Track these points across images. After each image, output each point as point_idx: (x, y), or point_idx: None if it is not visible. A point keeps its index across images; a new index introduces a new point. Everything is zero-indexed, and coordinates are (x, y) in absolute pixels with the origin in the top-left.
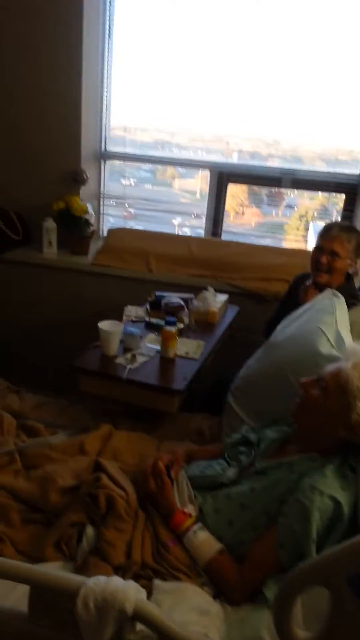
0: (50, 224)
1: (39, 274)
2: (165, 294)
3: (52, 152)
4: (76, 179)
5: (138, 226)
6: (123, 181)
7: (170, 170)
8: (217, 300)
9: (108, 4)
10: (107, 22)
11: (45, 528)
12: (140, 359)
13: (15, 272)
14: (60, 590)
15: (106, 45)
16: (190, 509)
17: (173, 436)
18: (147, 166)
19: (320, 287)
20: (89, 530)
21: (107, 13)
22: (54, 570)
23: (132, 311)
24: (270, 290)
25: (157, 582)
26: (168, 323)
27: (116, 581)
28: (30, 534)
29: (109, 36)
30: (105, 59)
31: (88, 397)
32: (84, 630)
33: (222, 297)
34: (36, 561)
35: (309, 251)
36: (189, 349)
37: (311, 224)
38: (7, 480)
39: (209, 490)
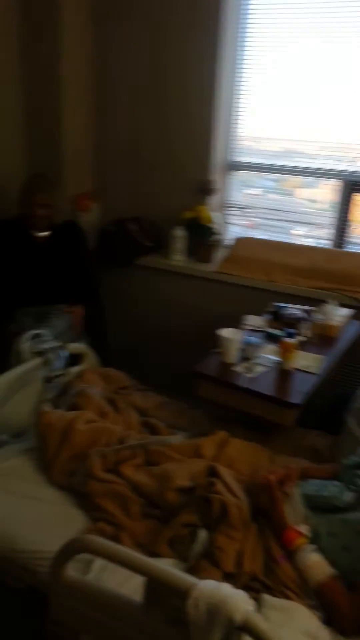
0: (179, 232)
1: (166, 280)
2: (284, 305)
3: (185, 163)
4: (206, 190)
5: (261, 236)
6: (248, 190)
7: (294, 179)
8: (339, 314)
9: (243, 15)
10: (242, 34)
11: (161, 524)
12: (259, 369)
13: (146, 277)
14: (173, 587)
15: (239, 56)
16: (304, 528)
17: (286, 450)
18: (271, 175)
19: None
20: (202, 534)
21: (242, 24)
22: (169, 567)
23: (252, 320)
24: None
25: (266, 597)
26: (288, 334)
27: (226, 588)
28: (147, 528)
29: (242, 48)
30: (238, 70)
31: (206, 402)
32: (193, 630)
33: (345, 312)
34: (151, 555)
35: None
36: (308, 362)
37: None
38: (129, 473)
39: (323, 511)
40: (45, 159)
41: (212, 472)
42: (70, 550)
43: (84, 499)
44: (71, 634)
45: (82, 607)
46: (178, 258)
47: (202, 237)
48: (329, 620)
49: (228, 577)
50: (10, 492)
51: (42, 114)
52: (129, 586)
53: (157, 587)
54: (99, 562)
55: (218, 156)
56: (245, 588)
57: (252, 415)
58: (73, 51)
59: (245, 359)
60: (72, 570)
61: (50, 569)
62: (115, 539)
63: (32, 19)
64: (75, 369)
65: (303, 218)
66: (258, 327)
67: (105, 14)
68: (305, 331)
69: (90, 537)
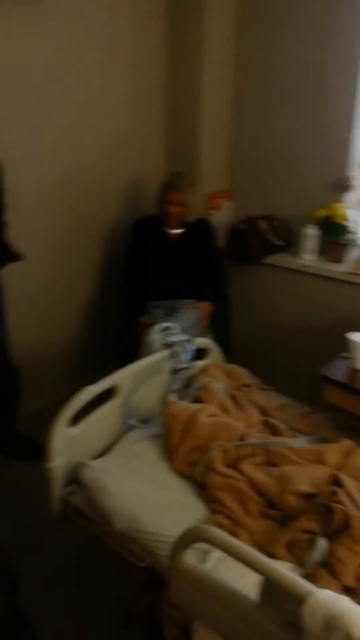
0: (311, 231)
1: (295, 279)
2: None
3: (320, 158)
4: (343, 186)
5: None
6: None
7: None
8: None
9: None
10: None
11: (279, 526)
12: None
13: (274, 276)
14: (290, 591)
15: None
16: None
17: None
18: None
19: None
20: (322, 542)
21: None
22: (286, 570)
23: None
24: None
25: None
26: None
27: (345, 602)
28: (265, 528)
29: None
30: None
31: (332, 408)
32: (307, 639)
33: None
34: (267, 556)
35: None
36: None
37: None
38: (248, 470)
39: None
40: (183, 158)
41: (336, 482)
42: (190, 538)
43: (203, 490)
44: (187, 618)
45: (197, 595)
46: (309, 257)
47: (336, 236)
48: None
49: (347, 591)
50: (137, 474)
51: (182, 114)
52: (245, 582)
53: (273, 588)
54: (216, 554)
55: (358, 151)
56: None
57: None
58: (215, 53)
59: None
60: (190, 558)
61: (170, 553)
62: (233, 534)
63: (176, 24)
64: (200, 363)
65: None
66: None
67: (248, 14)
68: None
69: (211, 528)
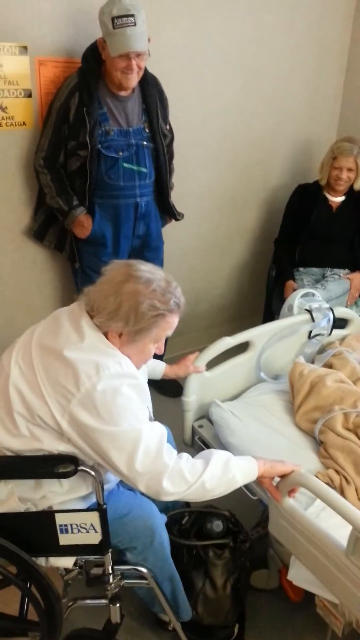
0: None
1: None
2: None
3: None
4: None
5: None
6: None
7: None
8: None
9: None
10: None
11: None
12: None
13: None
14: None
15: None
16: None
17: None
18: None
19: None
20: None
21: None
22: None
23: None
24: None
25: None
26: None
27: None
28: None
29: None
30: None
31: None
32: None
33: None
34: None
35: None
36: None
37: None
38: None
39: None
40: (356, 124)
41: None
42: (292, 481)
43: (319, 447)
44: (285, 552)
45: (294, 533)
46: None
47: None
48: None
49: None
50: (258, 420)
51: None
52: (343, 532)
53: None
54: (320, 502)
55: None
56: None
57: None
58: None
59: None
60: (294, 501)
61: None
62: (341, 489)
63: None
64: (341, 332)
65: None
66: None
67: None
68: None
69: (310, 475)
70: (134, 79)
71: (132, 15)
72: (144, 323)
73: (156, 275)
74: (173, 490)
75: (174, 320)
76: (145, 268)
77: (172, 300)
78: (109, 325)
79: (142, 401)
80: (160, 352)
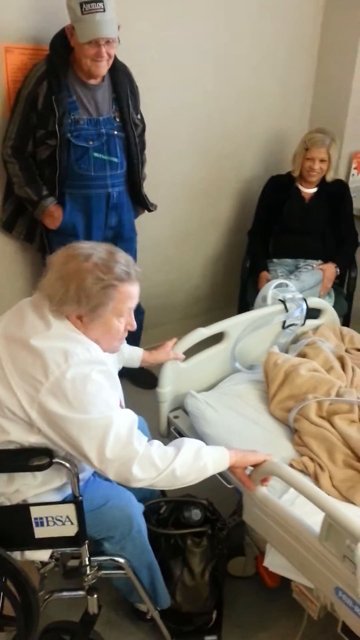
0: None
1: None
2: None
3: None
4: None
5: None
6: None
7: None
8: None
9: None
10: None
11: None
12: None
13: None
14: (344, 528)
15: None
16: None
17: None
18: None
19: None
20: None
21: None
22: (348, 511)
23: None
24: None
25: None
26: None
27: None
28: (346, 476)
29: None
30: None
31: None
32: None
33: None
34: (345, 500)
35: None
36: None
37: None
38: (340, 425)
39: None
40: (328, 115)
41: None
42: (264, 470)
43: (294, 435)
44: (261, 539)
45: (268, 520)
46: None
47: None
48: None
49: None
50: (233, 409)
51: (332, 70)
52: (316, 519)
53: (332, 524)
54: (294, 490)
55: None
56: None
57: None
58: None
59: None
60: (266, 490)
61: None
62: (315, 476)
63: None
64: (313, 322)
65: None
66: None
67: None
68: None
69: (281, 464)
70: (103, 67)
71: (101, 1)
72: (96, 299)
73: (97, 249)
74: (142, 476)
75: (129, 290)
76: (85, 245)
77: (118, 268)
78: (65, 310)
79: (111, 387)
80: (133, 328)
